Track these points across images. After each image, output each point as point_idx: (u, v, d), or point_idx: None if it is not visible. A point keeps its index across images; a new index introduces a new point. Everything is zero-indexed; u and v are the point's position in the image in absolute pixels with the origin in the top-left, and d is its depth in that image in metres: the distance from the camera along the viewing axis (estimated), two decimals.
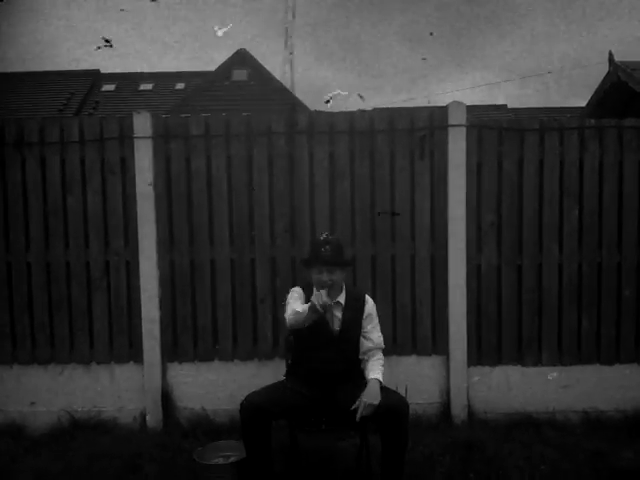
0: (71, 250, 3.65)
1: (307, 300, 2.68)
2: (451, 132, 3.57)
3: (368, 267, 3.63)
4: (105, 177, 3.64)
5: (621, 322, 3.65)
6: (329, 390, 2.73)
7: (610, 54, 7.39)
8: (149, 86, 15.87)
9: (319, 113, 3.77)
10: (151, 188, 3.58)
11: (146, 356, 3.63)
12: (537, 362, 3.67)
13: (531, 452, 3.17)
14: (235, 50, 14.49)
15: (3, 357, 3.69)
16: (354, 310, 2.84)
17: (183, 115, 3.94)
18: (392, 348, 3.56)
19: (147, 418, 3.63)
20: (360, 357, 2.84)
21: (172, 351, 3.68)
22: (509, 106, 15.96)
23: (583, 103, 9.65)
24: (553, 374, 3.66)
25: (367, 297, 2.92)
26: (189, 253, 3.65)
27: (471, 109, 3.63)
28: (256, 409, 2.55)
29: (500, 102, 15.69)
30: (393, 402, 2.58)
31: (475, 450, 3.14)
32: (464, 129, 3.57)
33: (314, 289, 2.79)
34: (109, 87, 15.75)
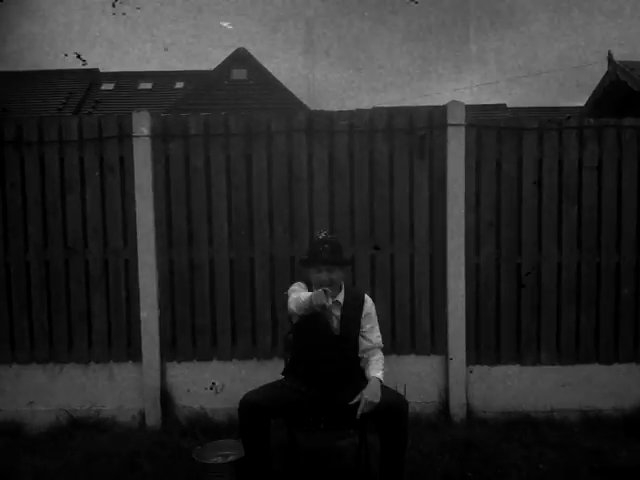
0: (69, 249, 3.64)
1: None
2: (450, 131, 3.57)
3: (367, 266, 3.64)
4: (104, 176, 3.64)
5: (620, 322, 3.66)
6: (328, 389, 2.73)
7: (609, 54, 7.41)
8: (148, 85, 15.82)
9: (318, 112, 3.77)
10: (150, 187, 3.58)
11: (145, 355, 3.64)
12: (536, 361, 3.67)
13: (529, 451, 3.18)
14: (235, 49, 14.48)
15: (2, 356, 3.69)
16: (353, 309, 2.84)
17: (182, 114, 3.93)
18: (391, 347, 3.56)
19: (146, 417, 3.64)
20: (359, 355, 2.85)
21: (171, 350, 3.68)
22: (508, 105, 15.95)
23: (582, 103, 9.66)
24: (552, 373, 3.67)
25: (366, 296, 2.92)
26: (188, 252, 3.65)
27: (470, 108, 3.64)
28: (254, 407, 2.54)
29: (499, 101, 15.64)
30: (393, 400, 2.58)
31: (474, 449, 3.15)
32: (463, 128, 3.57)
33: (313, 288, 2.78)
34: (108, 86, 15.70)
